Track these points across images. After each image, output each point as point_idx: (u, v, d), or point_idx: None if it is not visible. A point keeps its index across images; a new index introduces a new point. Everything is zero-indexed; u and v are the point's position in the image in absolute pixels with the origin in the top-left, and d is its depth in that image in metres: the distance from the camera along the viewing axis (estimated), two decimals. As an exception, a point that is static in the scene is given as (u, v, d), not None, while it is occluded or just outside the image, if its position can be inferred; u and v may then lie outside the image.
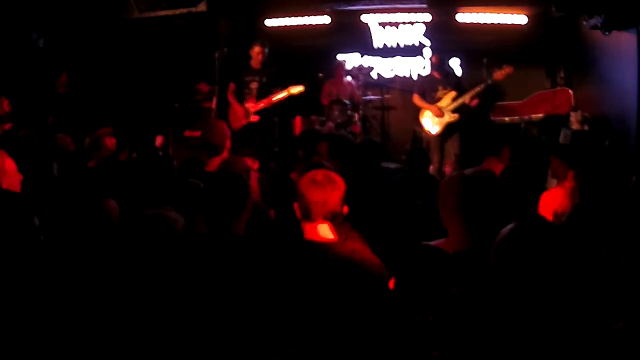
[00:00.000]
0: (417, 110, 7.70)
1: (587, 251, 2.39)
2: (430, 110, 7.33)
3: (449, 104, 7.27)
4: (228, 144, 4.77)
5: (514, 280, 1.81)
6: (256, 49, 7.11)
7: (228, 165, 3.80)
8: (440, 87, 7.39)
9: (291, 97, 8.71)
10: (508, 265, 1.82)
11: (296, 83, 7.01)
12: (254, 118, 6.95)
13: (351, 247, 2.49)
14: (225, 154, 4.66)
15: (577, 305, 1.89)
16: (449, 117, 7.27)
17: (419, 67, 9.05)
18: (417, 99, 7.51)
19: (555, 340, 1.72)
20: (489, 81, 7.15)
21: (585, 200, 3.46)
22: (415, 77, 9.04)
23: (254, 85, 7.09)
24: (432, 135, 7.38)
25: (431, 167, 7.40)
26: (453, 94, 7.27)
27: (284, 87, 7.01)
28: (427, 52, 8.90)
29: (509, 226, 1.89)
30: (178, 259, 2.44)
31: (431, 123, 7.37)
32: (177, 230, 2.52)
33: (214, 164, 4.37)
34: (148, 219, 2.51)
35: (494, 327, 1.81)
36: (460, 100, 7.21)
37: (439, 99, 7.35)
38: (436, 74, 7.48)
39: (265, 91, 7.04)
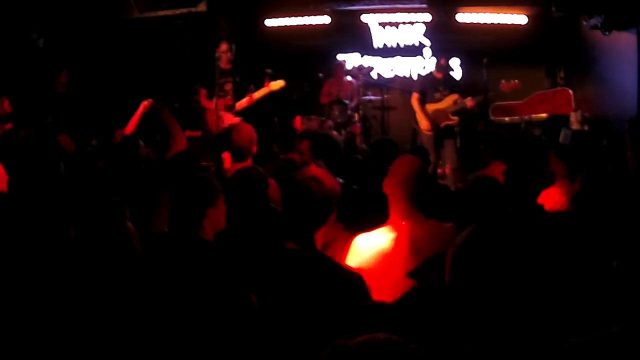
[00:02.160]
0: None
1: (583, 249, 2.40)
2: (424, 114, 7.35)
3: (450, 106, 7.29)
4: (255, 149, 4.48)
5: (472, 284, 1.81)
6: (223, 47, 6.88)
7: (243, 173, 3.63)
8: (441, 88, 7.42)
9: (291, 97, 8.74)
10: (467, 269, 1.82)
11: (275, 78, 6.90)
12: (235, 119, 6.65)
13: (328, 254, 2.44)
14: (249, 161, 4.33)
15: (561, 308, 1.90)
16: (448, 120, 7.29)
17: (419, 67, 9.05)
18: (414, 100, 7.52)
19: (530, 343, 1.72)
20: (491, 93, 7.33)
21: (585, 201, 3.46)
22: (415, 77, 9.05)
23: (228, 87, 6.91)
24: (428, 135, 7.40)
25: (447, 169, 7.46)
26: (455, 96, 7.28)
27: (258, 83, 6.84)
28: (427, 52, 8.92)
29: (466, 230, 1.89)
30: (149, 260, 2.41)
31: (427, 125, 7.39)
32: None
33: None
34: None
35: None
36: (461, 105, 7.24)
37: (439, 100, 7.38)
38: (439, 75, 7.48)
39: (241, 90, 6.85)
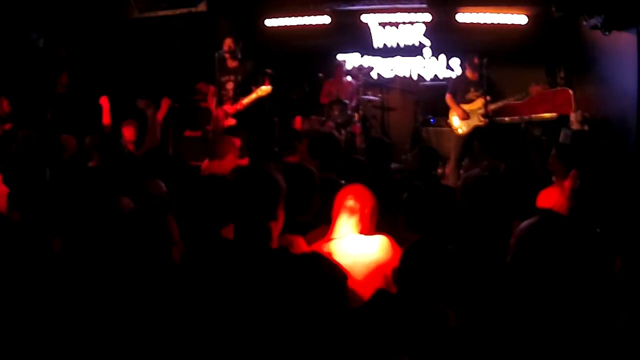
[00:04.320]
0: (416, 111, 7.67)
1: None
2: (457, 112, 7.40)
3: (480, 108, 7.30)
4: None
5: (536, 273, 1.84)
6: (227, 41, 6.83)
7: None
8: (472, 89, 7.45)
9: (291, 97, 8.74)
10: (530, 257, 1.86)
11: (275, 78, 6.89)
12: (231, 121, 6.72)
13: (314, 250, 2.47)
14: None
15: (582, 301, 1.91)
16: (478, 121, 7.30)
17: (419, 67, 9.05)
18: (449, 99, 7.59)
19: (564, 336, 1.74)
20: (523, 94, 7.48)
21: (584, 200, 3.46)
22: (415, 77, 9.05)
23: (230, 86, 6.85)
24: (459, 134, 7.44)
25: (447, 168, 7.48)
26: (487, 98, 7.28)
27: (261, 83, 6.83)
28: (427, 52, 8.91)
29: (531, 220, 1.93)
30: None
31: (459, 123, 7.43)
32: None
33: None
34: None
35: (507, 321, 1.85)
36: (493, 106, 7.28)
37: (471, 101, 7.41)
38: (473, 75, 7.49)
39: (242, 90, 6.79)
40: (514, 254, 1.90)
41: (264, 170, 2.59)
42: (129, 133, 6.37)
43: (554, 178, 4.59)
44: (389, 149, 4.72)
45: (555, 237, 1.85)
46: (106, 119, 6.53)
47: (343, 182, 3.60)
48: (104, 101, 6.55)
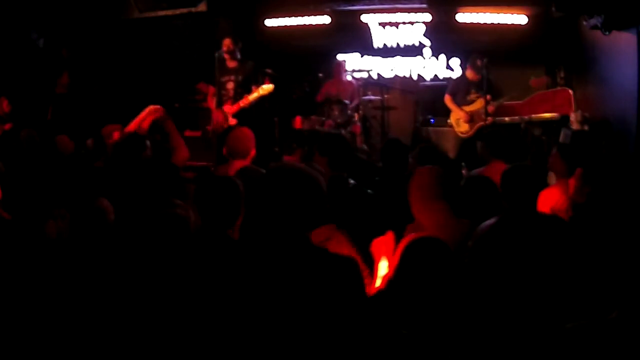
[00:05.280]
0: (416, 111, 7.65)
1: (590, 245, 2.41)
2: (460, 115, 7.40)
3: (482, 108, 7.31)
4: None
5: (493, 272, 1.84)
6: (226, 42, 6.88)
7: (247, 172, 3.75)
8: (473, 90, 7.46)
9: (291, 97, 8.74)
10: (489, 257, 1.85)
11: (275, 78, 6.88)
12: (232, 121, 6.74)
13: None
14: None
15: (567, 297, 1.92)
16: (482, 121, 7.30)
17: (419, 67, 9.05)
18: (448, 101, 7.60)
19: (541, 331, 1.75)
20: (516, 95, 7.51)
21: (590, 198, 3.47)
22: (415, 77, 9.05)
23: (230, 86, 6.89)
24: (465, 137, 7.46)
25: None
26: (487, 97, 7.30)
27: (261, 83, 6.87)
28: (427, 52, 8.91)
29: (490, 220, 1.92)
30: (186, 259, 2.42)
31: (463, 126, 7.45)
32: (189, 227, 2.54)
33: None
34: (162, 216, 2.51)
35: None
36: (496, 104, 7.32)
37: (472, 102, 7.43)
38: (475, 76, 7.50)
39: (242, 90, 6.83)
40: (470, 254, 1.89)
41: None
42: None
43: (548, 179, 4.60)
44: (407, 152, 4.73)
45: (513, 238, 1.84)
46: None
47: (352, 181, 3.61)
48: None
